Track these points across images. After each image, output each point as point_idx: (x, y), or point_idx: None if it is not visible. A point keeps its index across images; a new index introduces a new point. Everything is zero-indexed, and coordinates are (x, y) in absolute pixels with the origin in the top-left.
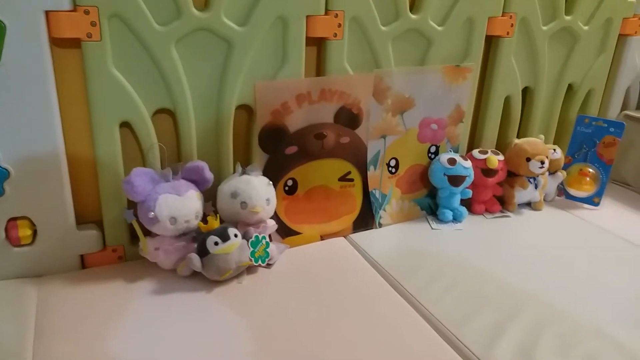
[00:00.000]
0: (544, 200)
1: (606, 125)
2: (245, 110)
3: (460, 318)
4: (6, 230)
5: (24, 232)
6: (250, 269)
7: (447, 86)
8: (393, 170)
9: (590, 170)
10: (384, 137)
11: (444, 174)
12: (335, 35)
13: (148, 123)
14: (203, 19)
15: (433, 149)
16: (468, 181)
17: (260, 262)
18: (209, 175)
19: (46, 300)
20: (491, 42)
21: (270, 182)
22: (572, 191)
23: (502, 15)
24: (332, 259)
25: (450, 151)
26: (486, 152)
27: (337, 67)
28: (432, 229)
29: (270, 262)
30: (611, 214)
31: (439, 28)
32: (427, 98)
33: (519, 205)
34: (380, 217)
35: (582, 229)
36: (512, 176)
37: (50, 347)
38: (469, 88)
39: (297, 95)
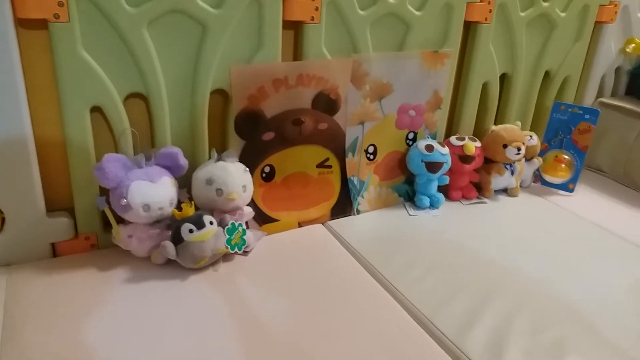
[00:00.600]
0: (520, 186)
1: (581, 112)
2: (221, 95)
3: (436, 303)
4: None
5: None
6: (226, 257)
7: (425, 72)
8: (371, 156)
9: (566, 156)
10: (362, 123)
11: (422, 161)
12: (313, 19)
13: (120, 108)
14: (176, 1)
15: (411, 136)
16: (445, 168)
17: (236, 249)
18: (184, 161)
19: (15, 290)
20: (469, 28)
21: (247, 169)
22: (548, 177)
23: (481, 1)
24: (310, 245)
25: (428, 138)
26: (463, 139)
27: (315, 52)
28: (409, 215)
29: (247, 250)
30: (585, 200)
31: (417, 13)
32: (405, 84)
33: (495, 191)
34: (359, 204)
35: (557, 215)
36: (489, 162)
37: (19, 337)
38: (447, 74)
39: (274, 80)
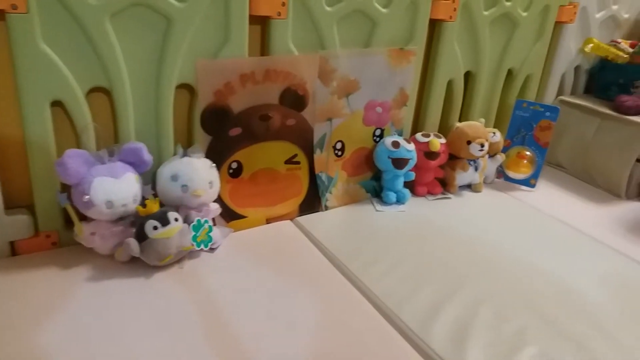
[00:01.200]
0: (484, 182)
1: (542, 109)
2: (187, 90)
3: (401, 296)
4: None
5: None
6: (192, 254)
7: (392, 69)
8: (339, 153)
9: (528, 153)
10: (330, 119)
11: (388, 157)
12: (279, 14)
13: (82, 102)
14: None
15: (378, 132)
16: (411, 164)
17: (202, 246)
18: (148, 157)
19: None
20: (435, 25)
21: (214, 165)
22: (510, 173)
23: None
24: (278, 242)
25: (395, 134)
26: (429, 135)
27: (282, 47)
28: (376, 210)
29: (213, 247)
30: (546, 195)
31: (384, 10)
32: (372, 81)
33: (459, 187)
34: (327, 200)
35: (519, 210)
36: (453, 159)
37: None
38: (412, 71)
39: (241, 75)
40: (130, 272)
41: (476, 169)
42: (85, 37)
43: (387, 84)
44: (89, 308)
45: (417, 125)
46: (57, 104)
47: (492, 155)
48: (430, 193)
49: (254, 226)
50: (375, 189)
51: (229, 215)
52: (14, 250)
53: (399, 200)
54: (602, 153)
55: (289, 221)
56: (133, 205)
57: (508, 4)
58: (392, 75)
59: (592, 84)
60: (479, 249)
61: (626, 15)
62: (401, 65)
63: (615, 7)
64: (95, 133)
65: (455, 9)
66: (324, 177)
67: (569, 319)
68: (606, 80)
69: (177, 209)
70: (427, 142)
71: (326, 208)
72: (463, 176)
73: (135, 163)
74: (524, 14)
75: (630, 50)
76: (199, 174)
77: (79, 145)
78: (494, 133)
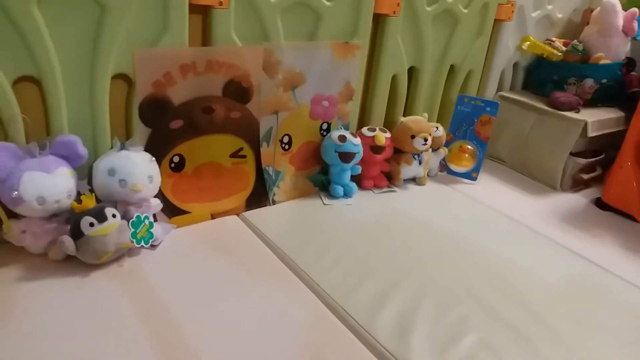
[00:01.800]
0: (428, 175)
1: (483, 104)
2: (124, 80)
3: (347, 290)
4: None
5: None
6: (132, 251)
7: (337, 63)
8: (286, 147)
9: (469, 147)
10: (276, 113)
11: (335, 151)
12: (221, 3)
13: (8, 92)
14: None
15: (325, 126)
16: (358, 158)
17: (143, 243)
18: (82, 150)
19: None
20: (379, 20)
21: (153, 158)
22: (453, 167)
23: None
24: (223, 237)
25: (341, 128)
26: (374, 130)
27: (224, 38)
28: (324, 204)
29: (154, 243)
30: (487, 188)
31: (328, 3)
32: (318, 74)
33: (404, 180)
34: (274, 194)
35: (462, 202)
36: (398, 153)
37: None
38: (357, 65)
39: (181, 66)
40: (65, 272)
41: (420, 162)
42: (10, 23)
43: (332, 78)
44: (21, 311)
45: (363, 119)
46: None
47: (435, 149)
48: (376, 186)
49: (198, 222)
50: (324, 182)
51: (171, 211)
52: None
53: (346, 194)
54: (538, 147)
55: (235, 216)
56: (67, 201)
57: (450, 0)
58: (338, 69)
59: (529, 81)
60: (423, 240)
61: (560, 15)
62: (346, 59)
63: (549, 7)
64: (25, 125)
65: (398, 4)
66: (271, 171)
67: (508, 307)
68: (542, 77)
69: (115, 204)
70: (373, 137)
71: (274, 202)
72: (408, 170)
73: (69, 157)
74: (465, 10)
75: (564, 48)
76: (137, 167)
77: (6, 138)
78: (437, 127)
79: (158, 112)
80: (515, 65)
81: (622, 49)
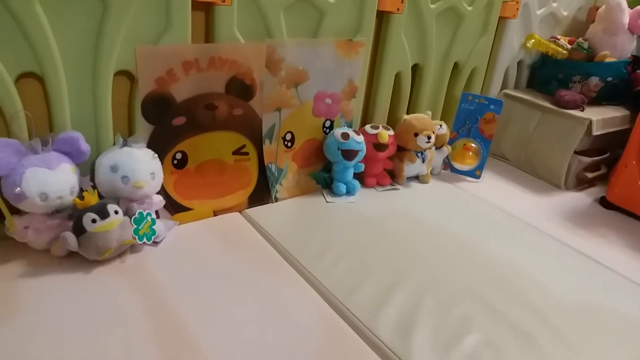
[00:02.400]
0: (431, 173)
1: (487, 102)
2: (127, 77)
3: (349, 287)
4: None
5: None
6: (135, 248)
7: (340, 60)
8: (289, 144)
9: (473, 145)
10: (279, 110)
11: (338, 148)
12: (224, 0)
13: (10, 88)
14: None
15: (328, 124)
16: (361, 155)
17: (145, 240)
18: (85, 147)
19: None
20: (382, 17)
21: (156, 155)
22: (456, 165)
23: None
24: (225, 234)
25: (344, 126)
26: (378, 127)
27: (227, 35)
28: (326, 202)
29: (157, 240)
30: (491, 186)
31: (331, 0)
32: (321, 71)
33: (407, 178)
34: (277, 192)
35: (465, 200)
36: (401, 150)
37: None
38: (361, 63)
39: (184, 62)
40: (67, 268)
41: (423, 160)
42: (13, 19)
43: (336, 75)
44: (24, 307)
45: (367, 117)
46: None
47: (438, 147)
48: (379, 184)
49: (200, 219)
50: (326, 180)
51: (173, 208)
52: None
53: (349, 192)
54: (542, 145)
55: (237, 213)
56: (70, 198)
57: None
58: (341, 67)
59: (534, 79)
60: (426, 238)
61: (565, 13)
62: (350, 57)
63: (554, 5)
64: (27, 122)
65: (402, 1)
66: (273, 168)
67: (511, 306)
68: (547, 75)
69: (117, 201)
70: (376, 134)
71: (276, 200)
72: (411, 167)
73: (71, 153)
74: (469, 8)
75: (569, 46)
76: (140, 164)
77: (9, 135)
78: (440, 125)
79: (160, 109)
80: (519, 63)
81: (627, 47)
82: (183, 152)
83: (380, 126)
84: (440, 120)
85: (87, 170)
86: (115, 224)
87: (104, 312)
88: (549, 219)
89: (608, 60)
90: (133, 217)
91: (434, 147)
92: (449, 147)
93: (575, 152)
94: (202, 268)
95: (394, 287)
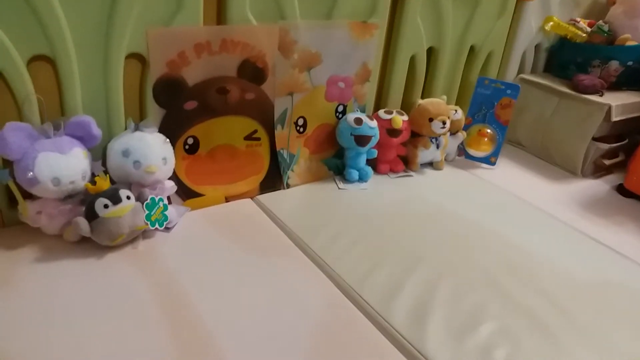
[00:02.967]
0: (445, 160)
1: (503, 87)
2: (138, 60)
3: (362, 274)
4: None
5: None
6: (146, 233)
7: (354, 43)
8: (301, 129)
9: (488, 131)
10: (291, 94)
11: (351, 134)
12: None
13: (22, 71)
14: None
15: (340, 108)
16: (374, 141)
17: (157, 225)
18: (97, 131)
19: None
20: None
21: (168, 140)
22: (471, 151)
23: None
24: (237, 220)
25: (357, 111)
26: (391, 112)
27: (239, 17)
28: (339, 188)
29: (169, 226)
30: (506, 173)
31: None
32: (334, 54)
33: (421, 164)
34: (288, 178)
35: (480, 187)
36: (415, 136)
37: None
38: (375, 45)
39: (196, 45)
40: (80, 253)
41: (438, 146)
42: (25, 1)
43: (349, 58)
44: (35, 292)
45: (380, 101)
46: None
47: (453, 132)
48: (392, 171)
49: (212, 205)
50: (338, 166)
51: (185, 194)
52: None
53: (362, 178)
54: (560, 131)
55: (249, 199)
56: (82, 182)
57: None
58: (355, 49)
59: (552, 63)
60: (440, 225)
61: None
62: (364, 39)
63: None
64: (39, 105)
65: None
66: (285, 154)
67: (526, 294)
68: (565, 59)
69: (129, 186)
70: (390, 119)
71: (288, 186)
72: (425, 154)
73: (83, 137)
74: None
75: (589, 29)
76: (152, 149)
77: (21, 118)
78: (455, 110)
79: (172, 92)
80: (537, 46)
81: None
82: (195, 137)
83: (394, 111)
84: (456, 105)
85: (99, 155)
86: (127, 210)
87: (116, 298)
88: (565, 206)
89: (629, 43)
90: (145, 203)
91: (448, 133)
92: (464, 132)
93: (593, 139)
94: (214, 254)
95: (408, 274)
